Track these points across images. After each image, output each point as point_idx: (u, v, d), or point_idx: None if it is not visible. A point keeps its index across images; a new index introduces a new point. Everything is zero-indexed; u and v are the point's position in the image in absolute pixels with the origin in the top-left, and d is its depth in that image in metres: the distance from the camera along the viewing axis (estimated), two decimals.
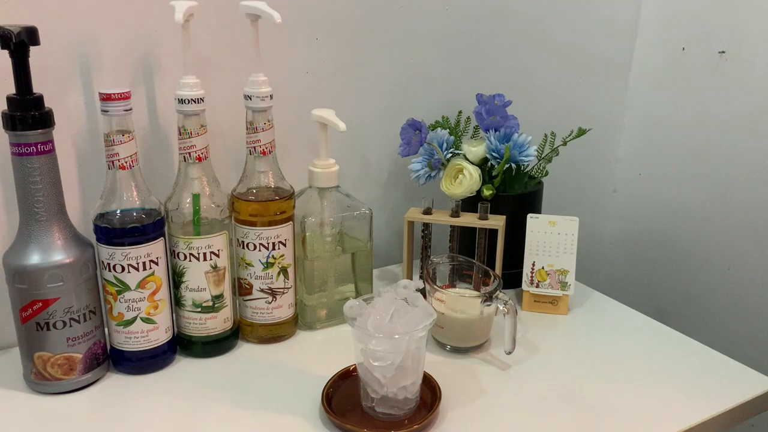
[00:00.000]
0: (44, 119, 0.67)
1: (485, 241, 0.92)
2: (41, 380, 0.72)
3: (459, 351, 0.82)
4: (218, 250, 0.77)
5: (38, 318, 0.69)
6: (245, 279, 0.82)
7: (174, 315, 0.80)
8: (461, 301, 0.81)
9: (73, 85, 0.79)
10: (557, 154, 1.02)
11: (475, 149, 0.95)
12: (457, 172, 0.95)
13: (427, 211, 0.92)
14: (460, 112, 1.03)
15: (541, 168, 1.01)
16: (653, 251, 1.27)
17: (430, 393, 0.72)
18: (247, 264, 0.81)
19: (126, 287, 0.73)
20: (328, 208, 0.86)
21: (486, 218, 0.90)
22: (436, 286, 0.82)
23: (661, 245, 1.25)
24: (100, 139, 0.77)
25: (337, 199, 0.87)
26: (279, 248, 0.80)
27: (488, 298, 0.79)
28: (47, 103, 0.68)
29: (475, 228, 0.92)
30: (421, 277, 0.95)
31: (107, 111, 0.70)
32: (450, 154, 0.96)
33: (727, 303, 1.14)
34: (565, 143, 1.00)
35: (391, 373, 0.66)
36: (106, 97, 0.69)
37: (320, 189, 0.85)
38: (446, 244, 0.97)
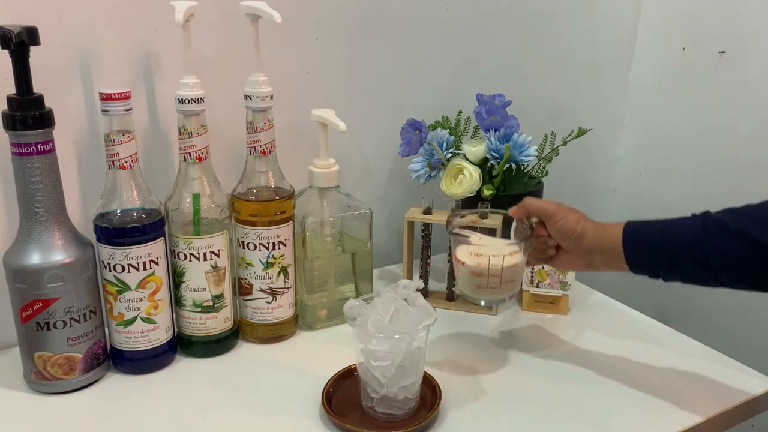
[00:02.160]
0: (44, 119, 0.67)
1: None
2: (41, 380, 0.72)
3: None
4: (218, 250, 0.77)
5: (38, 318, 0.69)
6: (245, 279, 0.82)
7: (174, 315, 0.80)
8: (497, 244, 0.77)
9: (73, 85, 0.79)
10: (557, 154, 1.02)
11: (475, 149, 0.95)
12: (457, 172, 0.95)
13: (427, 211, 0.92)
14: (460, 112, 1.03)
15: (541, 168, 1.01)
16: None
17: (430, 393, 0.72)
18: (247, 264, 0.81)
19: (126, 287, 0.73)
20: (328, 208, 0.86)
21: (486, 218, 0.90)
22: (465, 236, 0.75)
23: None
24: (100, 139, 0.77)
25: (337, 199, 0.87)
26: (279, 248, 0.80)
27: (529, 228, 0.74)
28: (47, 103, 0.68)
29: (476, 228, 0.92)
30: (420, 277, 0.95)
31: (107, 111, 0.70)
32: (450, 154, 0.96)
33: (727, 303, 1.14)
34: (565, 143, 1.00)
35: (391, 373, 0.66)
36: (106, 97, 0.69)
37: (320, 189, 0.85)
38: (446, 244, 0.97)
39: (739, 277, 0.62)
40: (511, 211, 0.75)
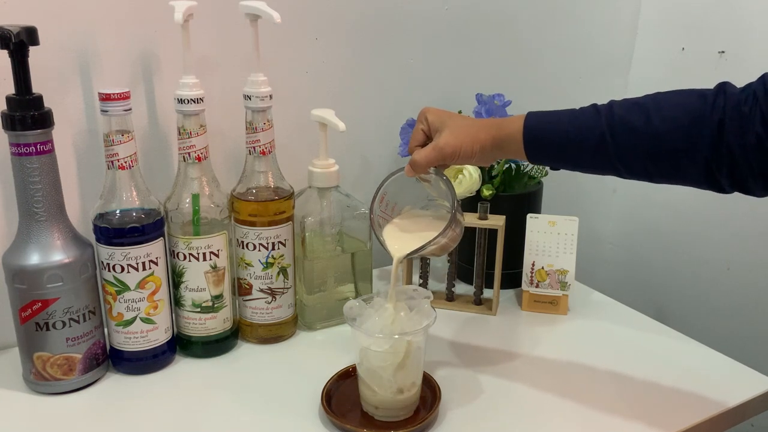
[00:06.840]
0: (43, 119, 0.67)
1: (485, 241, 0.92)
2: (41, 380, 0.72)
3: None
4: (218, 250, 0.77)
5: (38, 318, 0.69)
6: (245, 279, 0.82)
7: (173, 315, 0.80)
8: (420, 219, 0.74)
9: (72, 85, 0.79)
10: None
11: None
12: (456, 172, 0.95)
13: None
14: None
15: (540, 168, 1.01)
16: (653, 251, 1.27)
17: (430, 393, 0.72)
18: (246, 264, 0.81)
19: (125, 287, 0.73)
20: (328, 208, 0.86)
21: (486, 218, 0.90)
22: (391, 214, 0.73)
23: (661, 245, 1.25)
24: (99, 139, 0.77)
25: (337, 199, 0.86)
26: (278, 248, 0.80)
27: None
28: (47, 103, 0.68)
29: (475, 228, 0.92)
30: (420, 277, 0.95)
31: (107, 111, 0.70)
32: None
33: (727, 303, 1.14)
34: None
35: (390, 373, 0.66)
36: (105, 97, 0.69)
37: (320, 189, 0.85)
38: None
39: (645, 172, 0.63)
40: (407, 173, 0.69)
